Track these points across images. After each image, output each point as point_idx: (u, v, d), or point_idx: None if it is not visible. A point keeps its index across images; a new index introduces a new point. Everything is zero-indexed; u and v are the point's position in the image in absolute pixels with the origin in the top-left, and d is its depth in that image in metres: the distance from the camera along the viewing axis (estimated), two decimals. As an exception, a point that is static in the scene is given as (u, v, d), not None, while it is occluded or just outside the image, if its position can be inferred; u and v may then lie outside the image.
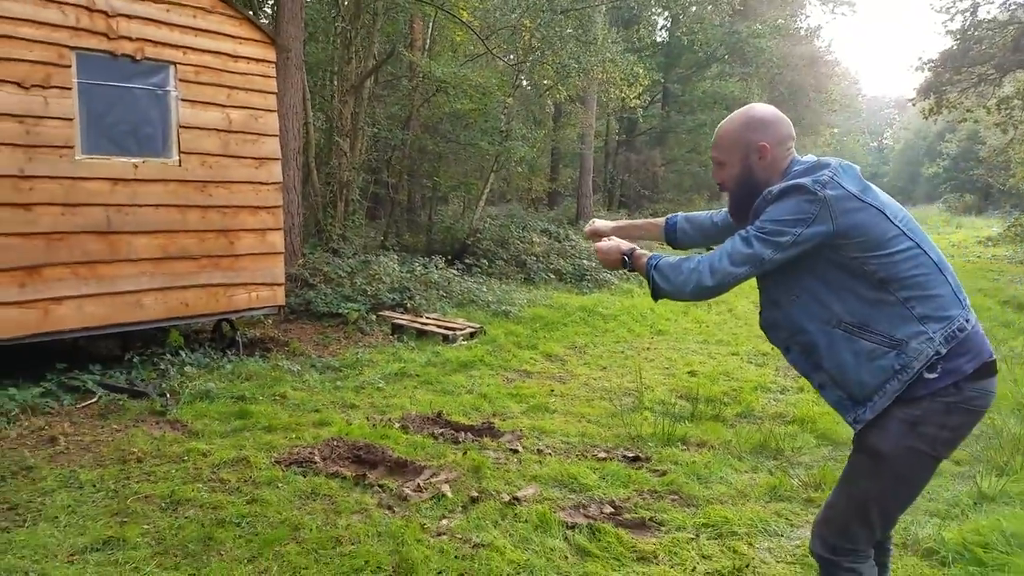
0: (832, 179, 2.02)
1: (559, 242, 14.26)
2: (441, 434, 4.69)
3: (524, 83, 17.22)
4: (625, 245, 2.39)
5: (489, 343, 7.61)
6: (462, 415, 5.25)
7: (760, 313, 2.31)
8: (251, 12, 11.19)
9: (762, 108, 2.25)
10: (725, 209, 2.59)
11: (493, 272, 11.76)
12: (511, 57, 13.46)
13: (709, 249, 2.30)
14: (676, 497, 3.87)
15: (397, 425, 4.83)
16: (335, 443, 4.28)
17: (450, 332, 7.51)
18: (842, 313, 2.05)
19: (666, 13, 23.11)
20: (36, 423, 4.52)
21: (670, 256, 2.26)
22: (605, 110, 22.44)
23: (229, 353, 6.30)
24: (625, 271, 2.33)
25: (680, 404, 5.79)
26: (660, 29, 25.68)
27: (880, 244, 2.01)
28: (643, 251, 2.34)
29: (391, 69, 16.56)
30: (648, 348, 7.94)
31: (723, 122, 2.29)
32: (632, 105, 15.11)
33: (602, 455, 4.54)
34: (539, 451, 4.55)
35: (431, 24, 15.29)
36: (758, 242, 2.04)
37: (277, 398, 5.36)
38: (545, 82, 16.63)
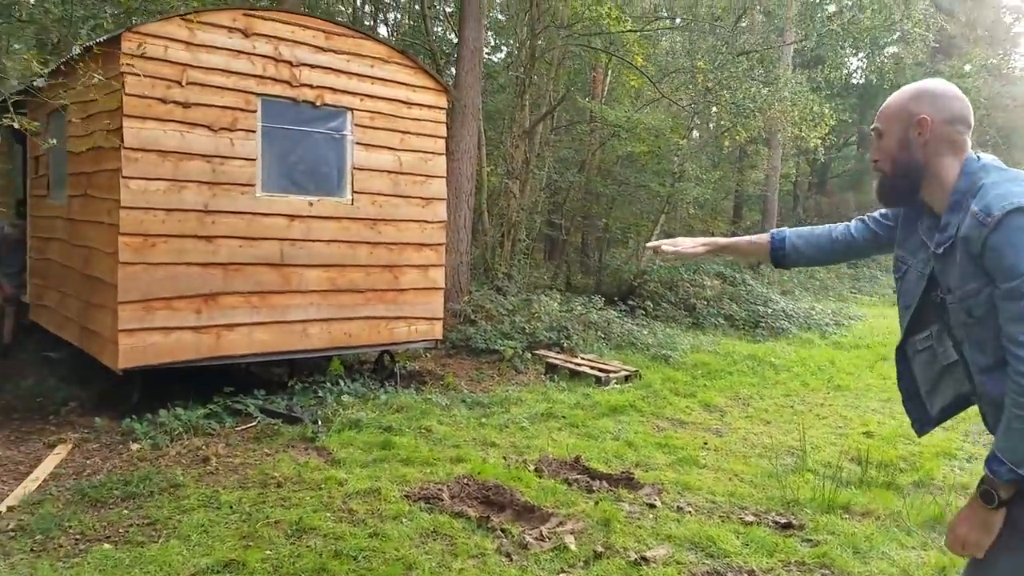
0: None
1: (733, 286, 13.61)
2: (576, 480, 4.52)
3: (699, 124, 16.86)
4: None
5: (644, 388, 7.33)
6: (602, 462, 5.04)
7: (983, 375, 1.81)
8: (432, 62, 11.91)
9: (938, 82, 1.94)
10: (847, 223, 2.26)
11: (659, 315, 11.41)
12: (683, 100, 13.20)
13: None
14: (827, 572, 3.43)
15: (532, 467, 4.72)
16: (466, 481, 4.25)
17: (603, 374, 7.33)
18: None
19: (860, 54, 21.73)
20: (195, 443, 4.91)
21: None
22: (792, 152, 21.36)
23: (387, 384, 6.55)
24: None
25: (848, 468, 5.22)
26: (855, 71, 24.14)
27: None
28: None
29: (567, 115, 16.93)
30: (822, 404, 7.25)
31: (892, 95, 2.00)
32: (813, 146, 14.24)
33: (749, 518, 4.15)
34: (679, 508, 4.24)
35: (609, 71, 15.47)
36: None
37: (422, 431, 5.46)
38: (722, 123, 16.16)
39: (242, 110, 5.78)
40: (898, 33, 15.10)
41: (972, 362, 1.81)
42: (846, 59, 22.06)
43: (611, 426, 5.95)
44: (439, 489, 4.13)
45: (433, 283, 6.97)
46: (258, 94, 5.87)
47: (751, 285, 13.79)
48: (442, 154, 7.24)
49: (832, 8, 16.59)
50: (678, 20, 14.59)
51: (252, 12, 5.98)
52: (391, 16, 18.50)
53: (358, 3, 18.14)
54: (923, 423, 2.01)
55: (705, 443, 5.71)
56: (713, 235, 21.35)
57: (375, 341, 6.55)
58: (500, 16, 16.65)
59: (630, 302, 11.52)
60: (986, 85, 21.69)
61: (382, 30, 17.79)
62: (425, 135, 7.04)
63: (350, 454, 4.83)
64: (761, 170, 19.99)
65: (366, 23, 17.05)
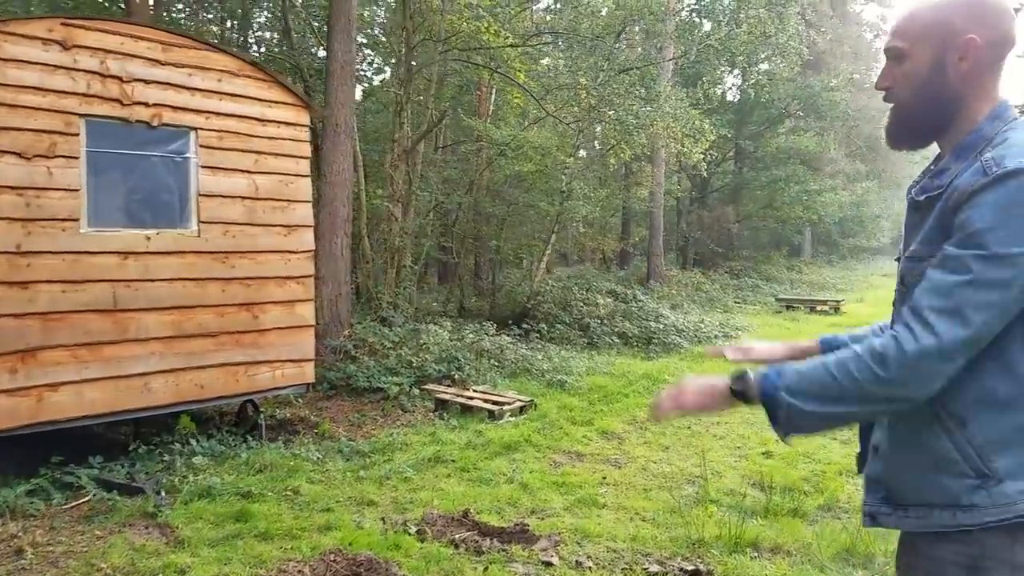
0: None
1: (625, 303, 13.50)
2: (464, 541, 3.98)
3: (584, 142, 16.85)
4: (721, 381, 1.55)
5: (539, 419, 6.89)
6: (494, 512, 4.54)
7: None
8: (299, 79, 11.20)
9: None
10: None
11: (553, 337, 11.08)
12: (568, 118, 13.09)
13: None
14: (744, 636, 3.05)
15: (414, 529, 4.15)
16: (333, 558, 3.63)
17: (497, 407, 6.84)
18: (949, 389, 1.37)
19: (736, 71, 22.53)
20: (9, 530, 4.03)
21: (789, 365, 1.48)
22: (675, 168, 21.78)
23: (250, 438, 5.80)
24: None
25: (752, 495, 4.97)
26: (730, 87, 25.07)
27: None
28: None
29: (452, 134, 16.52)
30: (719, 423, 7.04)
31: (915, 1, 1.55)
32: (695, 161, 14.46)
33: (654, 568, 3.78)
34: (578, 563, 3.80)
35: (494, 89, 15.20)
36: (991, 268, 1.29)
37: (288, 494, 4.77)
38: (610, 140, 16.23)
39: (61, 133, 4.96)
40: (772, 49, 15.63)
41: None
42: (723, 75, 22.90)
43: (505, 467, 5.46)
44: (299, 572, 3.49)
45: (301, 320, 6.29)
46: (81, 115, 5.06)
47: (642, 301, 13.74)
48: (306, 176, 6.60)
49: (708, 26, 17.08)
50: (560, 42, 14.53)
51: (72, 22, 5.18)
52: (264, 34, 17.60)
53: (228, 24, 17.16)
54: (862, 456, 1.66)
55: (604, 478, 5.32)
56: (604, 254, 21.50)
57: (233, 391, 5.79)
58: (380, 34, 16.13)
59: (524, 325, 11.14)
60: (853, 98, 22.94)
61: (254, 50, 16.85)
62: (285, 155, 6.38)
63: (198, 531, 4.10)
64: (646, 187, 20.26)
65: (235, 41, 16.10)
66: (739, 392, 1.50)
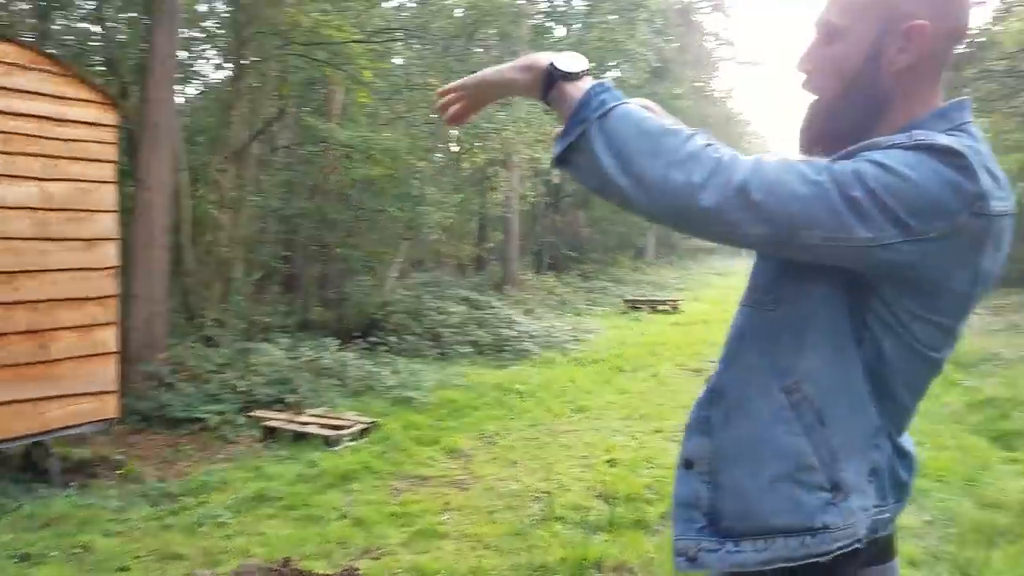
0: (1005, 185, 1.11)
1: (480, 310, 13.32)
2: (280, 596, 3.53)
3: (438, 145, 16.57)
4: (547, 57, 1.24)
5: (382, 441, 6.49)
6: (322, 556, 4.11)
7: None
8: (114, 76, 10.15)
9: None
10: None
11: (404, 349, 10.67)
12: (419, 119, 12.79)
13: None
14: None
15: (222, 587, 3.66)
16: (113, 634, 3.08)
17: (334, 432, 6.36)
18: (809, 374, 1.16)
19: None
20: None
21: (638, 106, 1.20)
22: (529, 174, 21.98)
23: (38, 486, 5.00)
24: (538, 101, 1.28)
25: (597, 508, 4.88)
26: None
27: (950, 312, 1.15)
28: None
29: (294, 134, 15.68)
30: (566, 431, 6.96)
31: None
32: (549, 167, 14.58)
33: (494, 607, 3.50)
34: (409, 611, 3.46)
35: (344, 88, 14.55)
36: (864, 190, 1.03)
37: (78, 551, 4.10)
38: (465, 144, 16.02)
39: None
40: (622, 55, 16.13)
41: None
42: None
43: (338, 500, 5.02)
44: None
45: (102, 347, 5.53)
46: None
47: (497, 307, 13.61)
48: (112, 182, 5.84)
49: (561, 31, 17.32)
50: (413, 41, 14.15)
51: None
52: (85, 26, 15.92)
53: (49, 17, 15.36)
54: None
55: (447, 503, 5.02)
56: (460, 259, 21.29)
57: (15, 432, 4.97)
58: (216, 27, 15.03)
59: (373, 337, 10.66)
60: (697, 106, 24.14)
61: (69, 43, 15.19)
62: (86, 160, 5.60)
63: (-53, 615, 3.40)
64: (502, 192, 20.28)
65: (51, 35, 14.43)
66: (555, 77, 1.20)
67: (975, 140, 1.11)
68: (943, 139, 1.06)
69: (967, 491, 4.92)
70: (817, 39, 1.23)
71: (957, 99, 1.19)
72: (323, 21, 9.95)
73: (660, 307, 17.31)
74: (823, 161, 1.09)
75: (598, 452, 6.17)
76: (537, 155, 14.57)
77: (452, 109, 1.38)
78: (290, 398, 7.31)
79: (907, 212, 1.01)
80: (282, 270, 13.78)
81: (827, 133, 1.23)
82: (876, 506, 1.19)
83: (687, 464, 1.31)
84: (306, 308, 13.11)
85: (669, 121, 1.20)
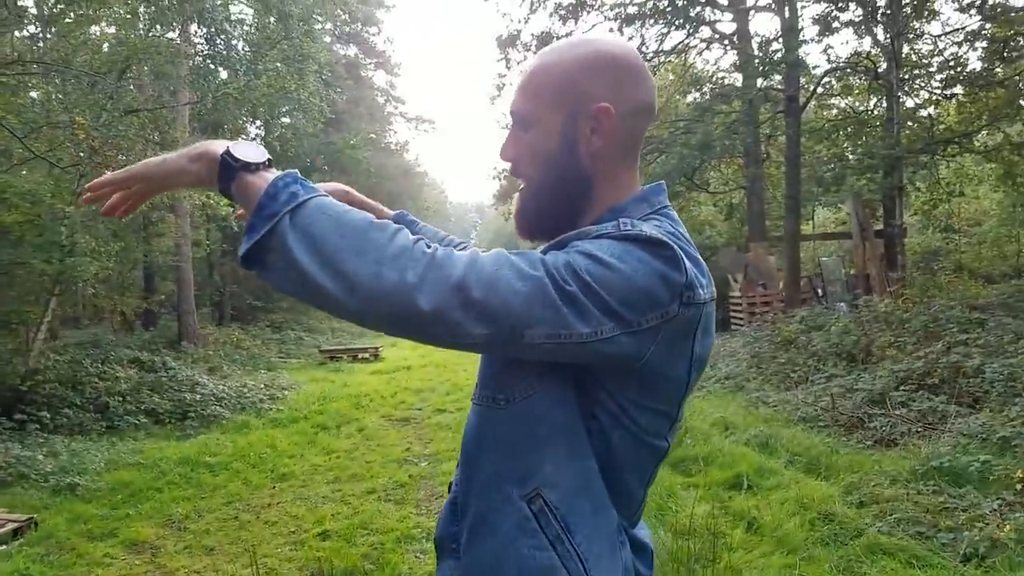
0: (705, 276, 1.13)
1: (153, 372, 11.96)
2: None
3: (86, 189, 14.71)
4: (220, 145, 1.10)
5: (43, 541, 5.46)
6: None
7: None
8: None
9: (615, 43, 1.20)
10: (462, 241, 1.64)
11: (60, 425, 9.14)
12: (64, 160, 11.27)
13: None
14: None
15: None
16: None
17: (-27, 544, 5.19)
18: (548, 479, 1.12)
19: (259, 122, 22.37)
20: None
21: (331, 200, 1.05)
22: (202, 219, 20.44)
23: None
24: (215, 191, 1.13)
25: (311, 591, 4.59)
26: (254, 138, 24.87)
27: (670, 399, 1.18)
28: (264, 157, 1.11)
29: None
30: (269, 505, 6.49)
31: (544, 51, 1.22)
32: (224, 214, 13.81)
33: None
34: None
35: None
36: (577, 282, 1.01)
37: None
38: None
39: None
40: (294, 103, 15.93)
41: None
42: (245, 125, 22.53)
43: (-14, 631, 4.10)
44: None
45: None
46: None
47: (174, 368, 12.34)
48: None
49: (224, 74, 16.58)
50: (54, 75, 12.41)
51: None
52: None
53: None
54: None
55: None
56: (125, 314, 18.92)
57: None
58: None
59: (19, 415, 8.95)
60: (374, 157, 24.81)
61: None
62: None
63: None
64: (171, 238, 18.57)
65: None
66: (234, 167, 1.06)
67: (675, 223, 1.17)
68: (648, 229, 1.07)
69: (661, 520, 5.16)
70: (514, 128, 1.24)
71: (654, 183, 1.23)
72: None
73: (361, 355, 17.18)
74: (536, 253, 1.07)
75: (308, 525, 5.81)
76: (210, 199, 13.70)
77: (109, 202, 1.19)
78: (-96, 508, 5.80)
79: (620, 304, 1.01)
80: None
81: (535, 220, 1.24)
82: None
83: (439, 544, 1.27)
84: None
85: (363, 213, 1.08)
